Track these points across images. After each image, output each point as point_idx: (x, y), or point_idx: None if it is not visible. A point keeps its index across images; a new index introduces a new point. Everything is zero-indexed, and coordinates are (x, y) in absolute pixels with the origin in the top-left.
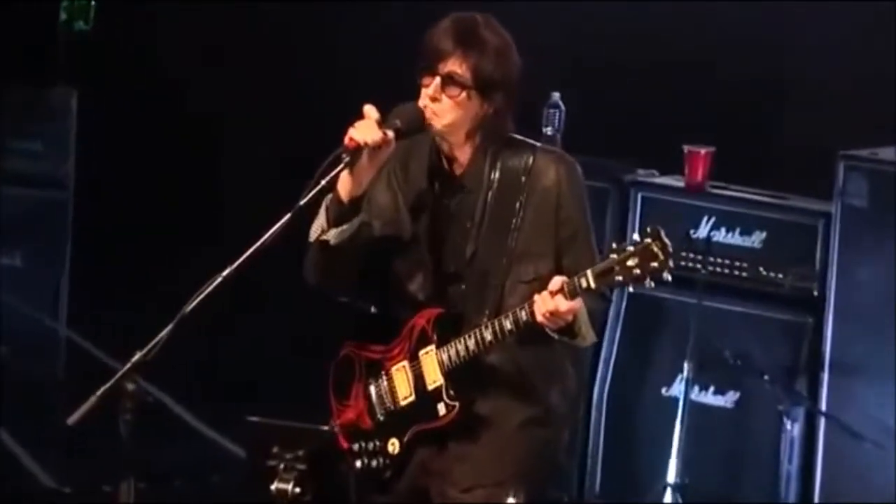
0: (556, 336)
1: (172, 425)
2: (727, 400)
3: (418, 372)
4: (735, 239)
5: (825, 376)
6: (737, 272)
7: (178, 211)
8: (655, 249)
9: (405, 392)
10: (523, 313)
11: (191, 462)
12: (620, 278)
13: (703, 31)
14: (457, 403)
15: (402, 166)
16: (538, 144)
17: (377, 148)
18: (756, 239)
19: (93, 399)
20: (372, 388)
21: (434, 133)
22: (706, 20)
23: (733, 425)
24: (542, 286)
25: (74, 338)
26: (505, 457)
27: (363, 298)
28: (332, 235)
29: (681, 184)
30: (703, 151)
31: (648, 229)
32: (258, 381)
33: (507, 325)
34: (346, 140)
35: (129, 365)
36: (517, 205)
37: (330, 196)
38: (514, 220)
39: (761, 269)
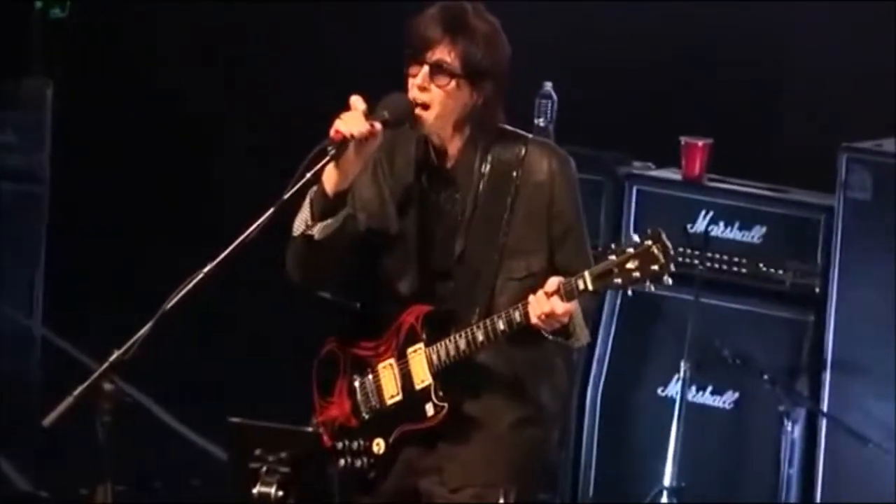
0: (550, 337)
1: (152, 426)
2: (726, 400)
3: (406, 371)
4: (734, 234)
5: (827, 376)
6: (736, 268)
7: (156, 205)
8: (656, 252)
9: (392, 391)
10: (517, 314)
11: (171, 464)
12: (619, 281)
13: (703, 23)
14: (445, 404)
15: (388, 158)
16: (530, 136)
17: (364, 140)
18: (756, 234)
19: (69, 399)
20: (357, 386)
21: (424, 131)
22: (706, 12)
23: (732, 427)
24: (534, 283)
25: (50, 336)
26: (496, 458)
27: (348, 295)
28: (316, 230)
29: (678, 177)
30: (700, 143)
31: (649, 230)
32: (239, 381)
33: (500, 325)
34: (332, 132)
35: (106, 364)
36: (508, 199)
37: (315, 189)
38: (505, 215)
39: (761, 264)
